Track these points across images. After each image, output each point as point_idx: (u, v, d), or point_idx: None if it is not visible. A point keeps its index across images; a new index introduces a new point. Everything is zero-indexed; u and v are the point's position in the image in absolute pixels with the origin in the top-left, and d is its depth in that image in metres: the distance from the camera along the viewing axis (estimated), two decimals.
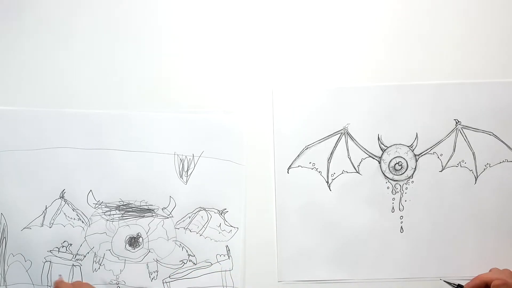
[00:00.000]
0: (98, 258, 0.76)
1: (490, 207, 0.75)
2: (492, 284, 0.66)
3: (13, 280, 0.76)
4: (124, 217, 0.77)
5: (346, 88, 0.77)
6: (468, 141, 0.75)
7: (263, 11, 0.79)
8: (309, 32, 0.78)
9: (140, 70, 0.79)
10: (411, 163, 0.76)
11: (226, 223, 0.76)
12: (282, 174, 0.77)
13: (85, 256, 0.76)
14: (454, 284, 0.71)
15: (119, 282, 0.76)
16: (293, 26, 0.78)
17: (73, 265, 0.76)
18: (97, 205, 0.77)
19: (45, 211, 0.77)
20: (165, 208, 0.77)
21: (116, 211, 0.77)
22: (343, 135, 0.77)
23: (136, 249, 0.76)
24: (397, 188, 0.76)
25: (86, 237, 0.76)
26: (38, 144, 0.77)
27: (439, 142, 0.76)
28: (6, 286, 0.76)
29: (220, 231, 0.76)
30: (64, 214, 0.77)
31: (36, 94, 0.79)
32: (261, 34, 0.78)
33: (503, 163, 0.75)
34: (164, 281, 0.76)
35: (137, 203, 0.77)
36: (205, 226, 0.76)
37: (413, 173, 0.76)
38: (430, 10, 0.77)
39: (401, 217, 0.76)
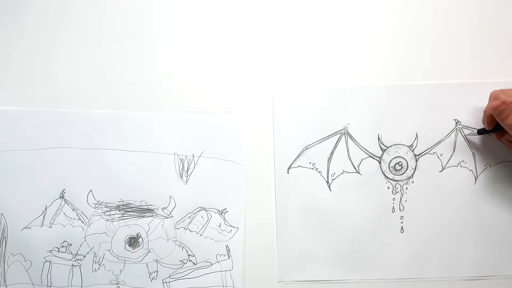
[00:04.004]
0: (98, 258, 0.76)
1: (490, 207, 0.75)
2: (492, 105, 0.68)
3: (13, 280, 0.76)
4: (124, 217, 0.77)
5: (346, 88, 0.77)
6: (468, 141, 0.76)
7: (263, 11, 0.79)
8: (309, 32, 0.78)
9: (140, 70, 0.79)
10: (411, 163, 0.76)
11: (226, 223, 0.76)
12: (282, 174, 0.77)
13: (85, 256, 0.76)
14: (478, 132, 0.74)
15: (119, 282, 0.76)
16: (293, 26, 0.78)
17: (72, 265, 0.76)
18: (97, 205, 0.77)
19: (45, 211, 0.77)
20: (165, 208, 0.77)
21: (116, 211, 0.77)
22: (343, 135, 0.77)
23: (136, 249, 0.76)
24: (397, 188, 0.76)
25: (86, 237, 0.76)
26: (38, 144, 0.77)
27: (439, 142, 0.76)
28: (6, 286, 0.76)
29: (220, 231, 0.76)
30: (64, 214, 0.77)
31: (36, 94, 0.79)
32: (261, 34, 0.78)
33: (503, 163, 0.75)
34: (164, 281, 0.76)
35: (137, 203, 0.77)
36: (205, 226, 0.76)
37: (413, 173, 0.76)
38: (430, 10, 0.77)
39: (402, 217, 0.76)
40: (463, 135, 0.75)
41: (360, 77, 0.77)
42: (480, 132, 0.74)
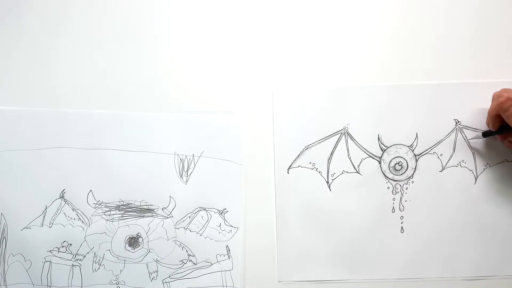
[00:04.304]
0: (98, 258, 0.76)
1: (490, 207, 0.75)
2: (498, 100, 0.68)
3: (13, 280, 0.76)
4: (124, 217, 0.77)
5: (346, 88, 0.77)
6: (468, 141, 0.76)
7: (263, 11, 0.79)
8: (309, 33, 0.78)
9: (140, 70, 0.79)
10: (411, 163, 0.76)
11: (226, 223, 0.76)
12: (282, 174, 0.77)
13: (85, 256, 0.76)
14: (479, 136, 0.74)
15: (119, 282, 0.76)
16: (293, 26, 0.78)
17: (73, 265, 0.76)
18: (97, 205, 0.77)
19: (45, 211, 0.77)
20: (165, 208, 0.77)
21: (116, 211, 0.77)
22: (343, 135, 0.77)
23: (136, 249, 0.76)
24: (397, 188, 0.76)
25: (86, 237, 0.76)
26: (38, 144, 0.77)
27: (439, 142, 0.76)
28: (6, 286, 0.76)
29: (220, 231, 0.76)
30: (64, 214, 0.77)
31: (36, 94, 0.79)
32: (261, 34, 0.78)
33: (503, 163, 0.75)
34: (164, 281, 0.76)
35: (137, 203, 0.77)
36: (205, 226, 0.76)
37: (413, 173, 0.76)
38: (430, 11, 0.77)
39: (402, 217, 0.76)
40: (465, 137, 0.75)
41: (360, 77, 0.77)
42: (485, 134, 0.73)
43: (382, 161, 0.76)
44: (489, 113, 0.71)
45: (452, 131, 0.76)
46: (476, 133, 0.75)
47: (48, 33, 0.79)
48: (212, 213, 0.76)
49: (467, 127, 0.75)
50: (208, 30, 0.79)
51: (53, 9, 0.80)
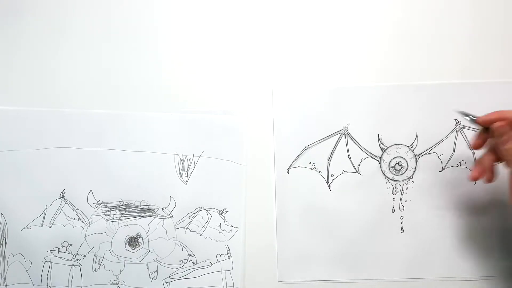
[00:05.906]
0: (98, 258, 0.76)
1: (490, 207, 0.75)
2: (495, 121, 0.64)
3: (13, 280, 0.76)
4: (124, 217, 0.77)
5: (346, 88, 0.77)
6: (468, 141, 0.76)
7: (263, 11, 0.79)
8: (309, 32, 0.78)
9: (140, 70, 0.79)
10: (411, 163, 0.76)
11: (226, 223, 0.76)
12: (282, 174, 0.77)
13: (85, 256, 0.76)
14: (469, 116, 0.68)
15: (119, 282, 0.76)
16: (293, 26, 0.78)
17: (73, 265, 0.76)
18: (97, 205, 0.77)
19: (45, 211, 0.77)
20: (165, 208, 0.77)
21: (116, 211, 0.77)
22: (343, 135, 0.77)
23: (136, 249, 0.76)
24: (397, 188, 0.76)
25: (86, 237, 0.76)
26: (38, 144, 0.77)
27: (439, 142, 0.76)
28: (6, 286, 0.76)
29: (220, 231, 0.76)
30: (64, 214, 0.77)
31: (37, 94, 0.79)
32: (261, 34, 0.78)
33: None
34: (164, 281, 0.76)
35: (137, 203, 0.77)
36: (205, 226, 0.76)
37: (413, 173, 0.76)
38: (431, 10, 0.77)
39: (402, 217, 0.76)
40: (465, 137, 0.75)
41: (360, 77, 0.77)
42: (473, 121, 0.68)
43: (382, 161, 0.76)
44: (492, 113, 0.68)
45: (452, 131, 0.76)
46: (475, 130, 0.74)
47: (48, 33, 0.79)
48: (212, 213, 0.76)
49: (467, 127, 0.75)
50: (208, 30, 0.79)
51: (53, 9, 0.80)
